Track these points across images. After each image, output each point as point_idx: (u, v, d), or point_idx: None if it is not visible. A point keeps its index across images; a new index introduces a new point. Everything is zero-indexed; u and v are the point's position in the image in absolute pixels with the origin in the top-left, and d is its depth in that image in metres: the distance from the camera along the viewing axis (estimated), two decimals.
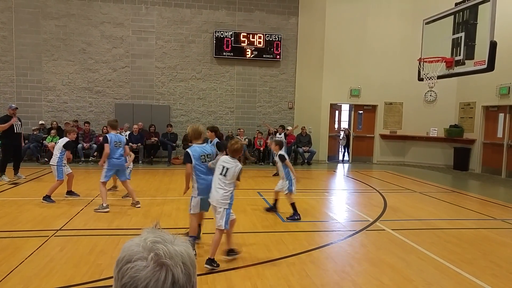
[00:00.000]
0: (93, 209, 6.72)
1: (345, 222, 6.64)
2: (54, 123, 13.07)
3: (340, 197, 8.97)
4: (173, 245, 0.88)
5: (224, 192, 4.38)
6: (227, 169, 4.41)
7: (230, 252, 4.63)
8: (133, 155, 7.74)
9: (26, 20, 13.42)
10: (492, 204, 8.18)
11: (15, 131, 9.19)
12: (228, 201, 4.41)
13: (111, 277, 4.41)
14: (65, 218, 6.16)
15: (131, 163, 7.97)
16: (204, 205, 4.80)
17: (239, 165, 4.46)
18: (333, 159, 15.39)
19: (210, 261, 4.32)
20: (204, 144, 5.00)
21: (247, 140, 14.05)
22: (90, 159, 12.85)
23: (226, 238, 4.58)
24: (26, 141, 9.88)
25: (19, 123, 9.40)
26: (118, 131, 7.34)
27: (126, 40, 14.07)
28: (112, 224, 5.96)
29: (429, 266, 4.60)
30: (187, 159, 4.78)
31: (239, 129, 14.20)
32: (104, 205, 6.69)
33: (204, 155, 4.82)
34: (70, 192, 7.72)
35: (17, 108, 9.48)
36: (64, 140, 7.60)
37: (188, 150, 4.85)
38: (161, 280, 0.83)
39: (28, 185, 8.85)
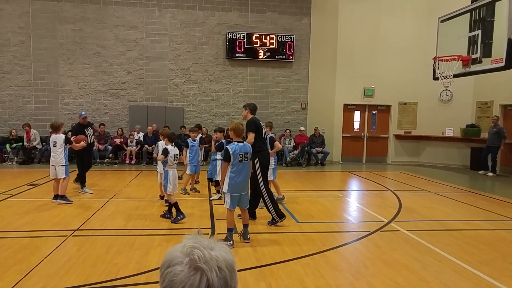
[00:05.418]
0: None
1: (359, 222, 6.59)
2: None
3: (354, 197, 8.90)
4: (211, 250, 0.92)
5: None
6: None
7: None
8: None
9: (43, 25, 13.72)
10: (510, 205, 8.01)
11: (89, 141, 8.38)
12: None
13: (127, 277, 4.44)
14: (82, 219, 6.28)
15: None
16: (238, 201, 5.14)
17: None
18: (350, 160, 15.05)
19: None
20: (244, 143, 5.21)
21: None
22: (105, 161, 13.04)
23: None
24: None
25: (91, 130, 8.71)
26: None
27: (140, 43, 14.25)
28: (127, 224, 6.04)
29: (446, 267, 4.53)
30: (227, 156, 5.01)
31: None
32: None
33: (242, 154, 5.02)
34: (56, 196, 7.34)
35: (87, 115, 8.79)
36: (61, 136, 7.31)
37: (227, 147, 5.07)
38: (196, 284, 0.87)
39: (47, 186, 9.03)
